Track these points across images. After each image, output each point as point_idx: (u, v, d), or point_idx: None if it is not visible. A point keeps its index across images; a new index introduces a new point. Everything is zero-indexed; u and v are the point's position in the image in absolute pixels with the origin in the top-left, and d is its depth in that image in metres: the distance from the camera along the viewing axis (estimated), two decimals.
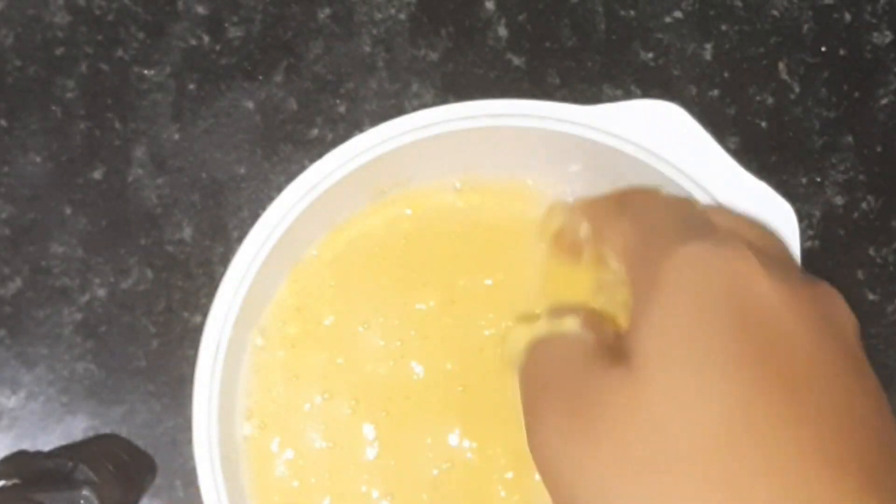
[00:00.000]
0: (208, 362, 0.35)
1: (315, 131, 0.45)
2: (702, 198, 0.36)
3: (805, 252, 0.46)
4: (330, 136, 0.45)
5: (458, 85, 0.46)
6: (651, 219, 0.30)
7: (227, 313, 0.36)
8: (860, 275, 0.46)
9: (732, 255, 0.27)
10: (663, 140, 0.36)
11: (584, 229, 0.34)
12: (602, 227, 0.33)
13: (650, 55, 0.46)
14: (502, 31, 0.46)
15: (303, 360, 0.39)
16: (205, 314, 0.44)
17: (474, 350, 0.39)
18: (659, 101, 0.36)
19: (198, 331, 0.43)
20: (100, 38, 0.45)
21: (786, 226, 0.35)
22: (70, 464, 0.38)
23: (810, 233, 0.46)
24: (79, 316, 0.43)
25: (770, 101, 0.46)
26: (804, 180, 0.46)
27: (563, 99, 0.46)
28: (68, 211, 0.44)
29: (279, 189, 0.44)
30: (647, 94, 0.46)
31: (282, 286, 0.39)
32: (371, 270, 0.40)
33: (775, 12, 0.47)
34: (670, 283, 0.27)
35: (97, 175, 0.44)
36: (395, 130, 0.36)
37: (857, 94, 0.47)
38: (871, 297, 0.46)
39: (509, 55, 0.46)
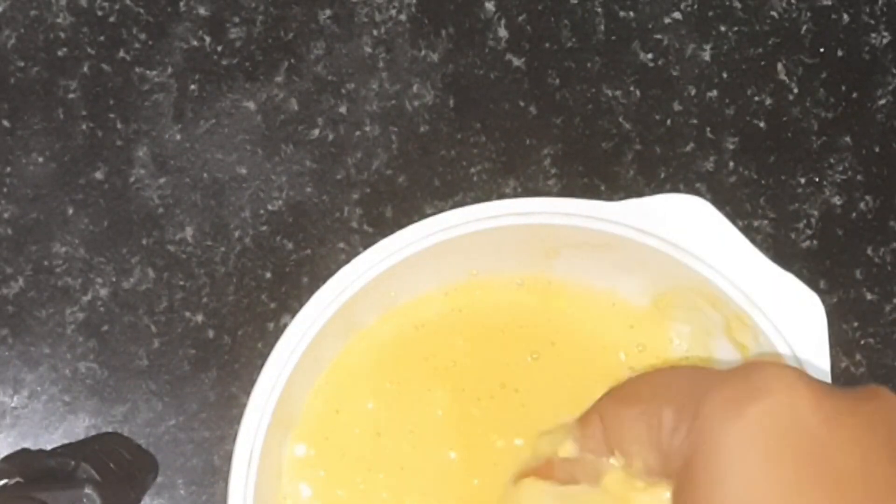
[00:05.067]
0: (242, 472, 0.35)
1: (316, 132, 0.45)
2: (730, 291, 0.37)
3: (804, 252, 0.46)
4: (331, 137, 0.45)
5: (459, 86, 0.46)
6: (663, 395, 0.31)
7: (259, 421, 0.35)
8: (858, 274, 0.46)
9: (771, 386, 0.28)
10: (690, 235, 0.37)
11: (569, 448, 0.34)
12: (618, 427, 0.32)
13: (649, 56, 0.47)
14: (502, 32, 0.46)
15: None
16: (206, 313, 0.44)
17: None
18: (686, 196, 0.37)
19: (199, 330, 0.44)
20: (102, 38, 0.45)
21: (813, 316, 0.36)
22: (72, 462, 0.38)
23: (808, 232, 0.46)
24: (81, 315, 0.44)
25: (768, 101, 0.47)
26: (802, 180, 0.46)
27: (563, 100, 0.46)
28: (70, 211, 0.44)
29: (280, 189, 0.45)
30: (645, 94, 0.46)
31: (309, 394, 0.39)
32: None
33: (774, 13, 0.47)
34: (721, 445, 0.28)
35: (99, 175, 0.44)
36: (406, 239, 0.36)
37: (855, 95, 0.47)
38: (869, 296, 0.46)
39: (509, 56, 0.46)
